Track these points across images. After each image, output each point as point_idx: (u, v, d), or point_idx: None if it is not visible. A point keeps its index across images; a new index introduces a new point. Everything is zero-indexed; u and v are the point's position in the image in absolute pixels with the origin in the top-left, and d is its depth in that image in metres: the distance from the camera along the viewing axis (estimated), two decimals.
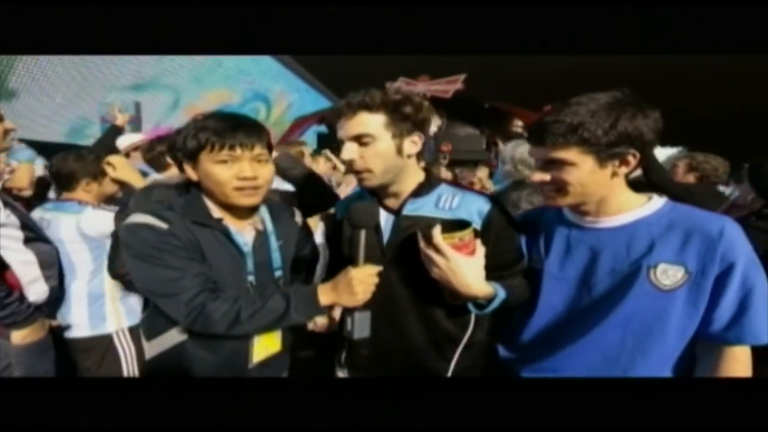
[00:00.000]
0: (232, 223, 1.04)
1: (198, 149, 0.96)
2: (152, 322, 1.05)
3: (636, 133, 0.82)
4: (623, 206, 0.92)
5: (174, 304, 0.93)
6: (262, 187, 1.00)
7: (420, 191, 1.03)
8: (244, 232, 1.06)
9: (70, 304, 1.76)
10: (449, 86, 10.38)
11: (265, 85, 10.60)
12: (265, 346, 1.08)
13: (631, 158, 0.86)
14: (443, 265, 0.90)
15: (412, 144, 0.99)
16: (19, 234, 1.51)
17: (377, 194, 1.06)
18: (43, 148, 2.89)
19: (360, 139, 0.95)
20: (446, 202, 1.02)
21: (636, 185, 0.96)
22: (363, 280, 0.92)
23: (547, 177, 0.91)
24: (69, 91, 6.38)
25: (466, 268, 0.89)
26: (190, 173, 1.01)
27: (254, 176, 0.97)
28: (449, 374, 1.05)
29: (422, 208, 1.02)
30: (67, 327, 1.75)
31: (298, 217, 1.23)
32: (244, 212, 1.06)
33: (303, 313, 0.95)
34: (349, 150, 0.96)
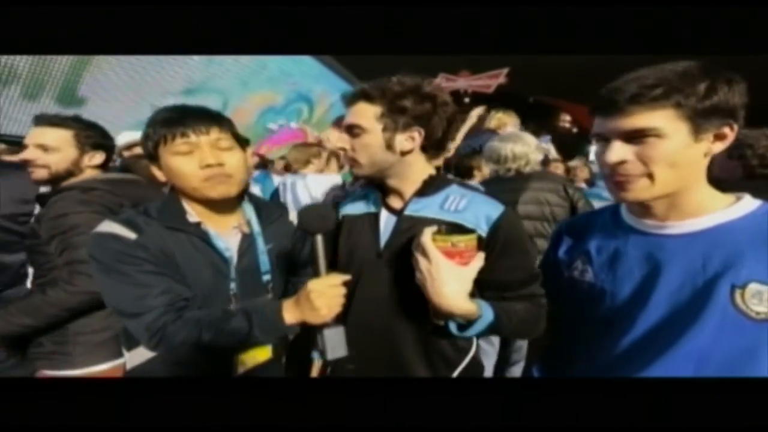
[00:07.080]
0: (212, 227, 0.95)
1: (155, 146, 0.90)
2: (129, 332, 0.98)
3: (734, 101, 0.67)
4: (702, 207, 0.73)
5: (137, 326, 0.85)
6: (233, 176, 0.92)
7: (425, 190, 0.93)
8: (227, 236, 0.97)
9: None
10: (491, 81, 10.06)
11: (308, 85, 10.81)
12: (252, 355, 0.97)
13: (728, 130, 0.69)
14: (424, 267, 0.80)
15: (409, 140, 0.90)
16: None
17: (381, 192, 0.99)
18: None
19: (351, 130, 0.92)
20: (453, 203, 0.92)
21: None
22: (323, 292, 0.80)
23: (628, 155, 0.71)
24: (126, 97, 6.85)
25: (447, 276, 0.78)
26: (158, 174, 0.94)
27: (219, 163, 0.89)
28: None
29: (426, 208, 0.93)
30: None
31: (293, 216, 1.12)
32: (226, 213, 0.99)
33: (268, 333, 0.86)
34: (342, 138, 0.95)
